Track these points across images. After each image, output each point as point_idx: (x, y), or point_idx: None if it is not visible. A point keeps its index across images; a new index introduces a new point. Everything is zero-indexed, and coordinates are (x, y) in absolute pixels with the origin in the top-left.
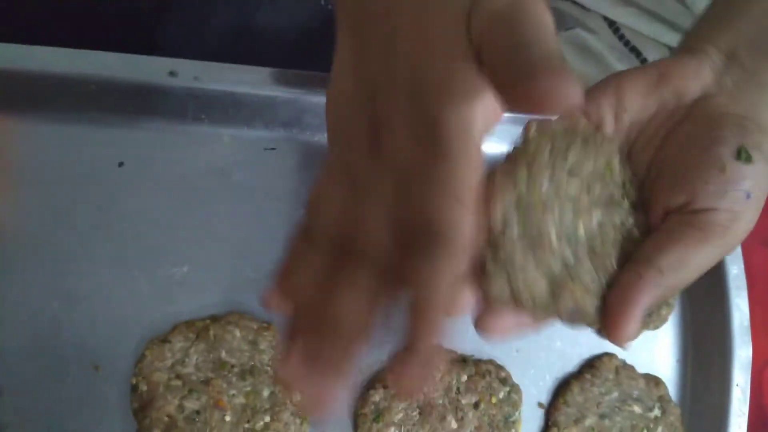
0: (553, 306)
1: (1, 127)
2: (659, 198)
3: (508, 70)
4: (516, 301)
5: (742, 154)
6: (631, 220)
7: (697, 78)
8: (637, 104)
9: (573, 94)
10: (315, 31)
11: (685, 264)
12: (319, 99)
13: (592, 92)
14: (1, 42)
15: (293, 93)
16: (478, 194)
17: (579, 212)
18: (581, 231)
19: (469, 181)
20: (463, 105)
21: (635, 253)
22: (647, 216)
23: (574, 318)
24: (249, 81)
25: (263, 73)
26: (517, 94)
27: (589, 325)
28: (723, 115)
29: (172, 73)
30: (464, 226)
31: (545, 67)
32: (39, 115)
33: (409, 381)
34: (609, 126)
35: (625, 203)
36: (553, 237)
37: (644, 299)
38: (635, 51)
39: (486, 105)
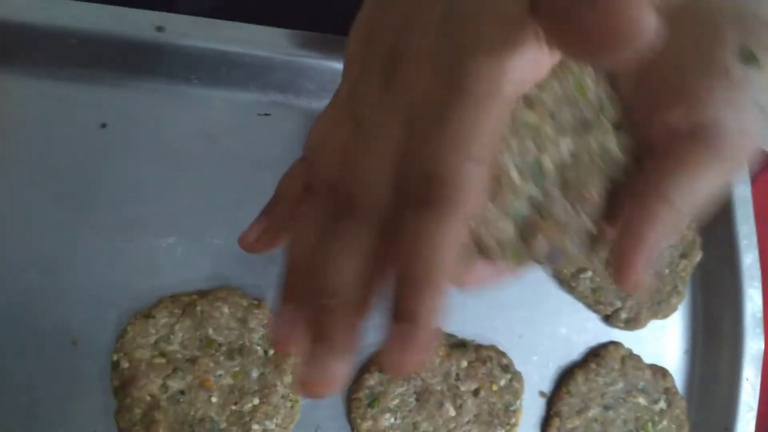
0: (527, 251)
1: None
2: (656, 114)
3: None
4: (484, 252)
5: (746, 55)
6: (613, 143)
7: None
8: None
9: (646, 23)
10: None
11: (696, 190)
12: (317, 62)
13: None
14: None
15: (290, 55)
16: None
17: (542, 142)
18: (547, 163)
19: (488, 138)
20: (499, 53)
21: (638, 183)
22: (637, 137)
23: (555, 260)
24: (243, 40)
25: (258, 31)
26: (571, 27)
27: (578, 264)
28: (718, 11)
29: (159, 29)
30: (474, 185)
31: None
32: (14, 69)
33: (401, 360)
34: None
35: (605, 125)
36: (514, 175)
37: (656, 236)
38: None
39: (525, 61)
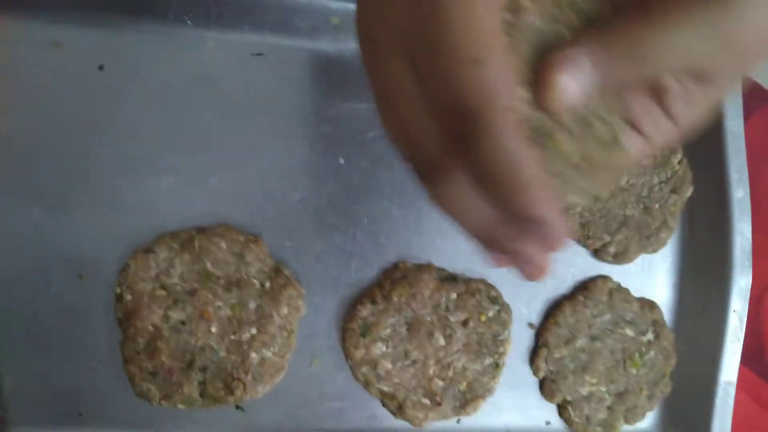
0: None
1: None
2: None
3: None
4: None
5: None
6: None
7: None
8: None
9: None
10: None
11: (642, 30)
12: (309, 1)
13: None
14: None
15: None
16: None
17: None
18: None
19: (483, 25)
20: None
21: None
22: None
23: None
24: None
25: None
26: None
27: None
28: None
29: None
30: (493, 87)
31: None
32: (13, 14)
33: (543, 259)
34: None
35: None
36: None
37: (580, 45)
38: None
39: None
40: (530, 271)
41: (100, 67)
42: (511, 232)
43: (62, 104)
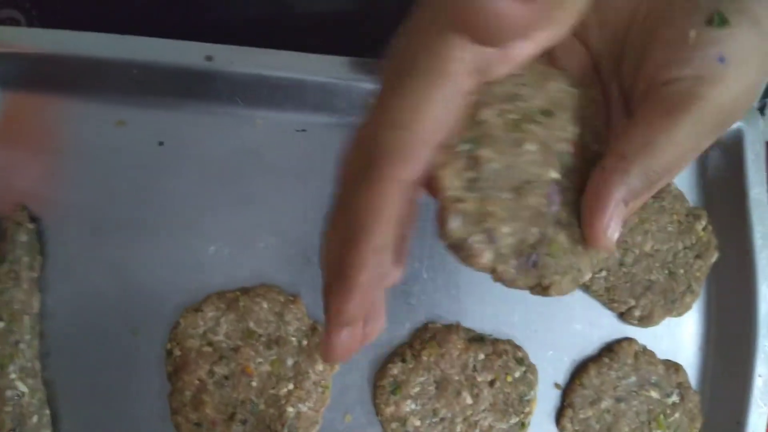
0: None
1: (50, 108)
2: (625, 86)
3: None
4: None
5: (716, 20)
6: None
7: None
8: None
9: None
10: (352, 15)
11: (652, 145)
12: (347, 83)
13: None
14: (49, 28)
15: (323, 77)
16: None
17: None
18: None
19: (421, 108)
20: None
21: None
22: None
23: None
24: (280, 65)
25: (294, 57)
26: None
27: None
28: None
29: (208, 58)
30: (398, 150)
31: None
32: (86, 97)
33: (329, 317)
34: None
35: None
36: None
37: (613, 191)
38: None
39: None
40: (324, 342)
41: (160, 143)
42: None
43: (125, 176)
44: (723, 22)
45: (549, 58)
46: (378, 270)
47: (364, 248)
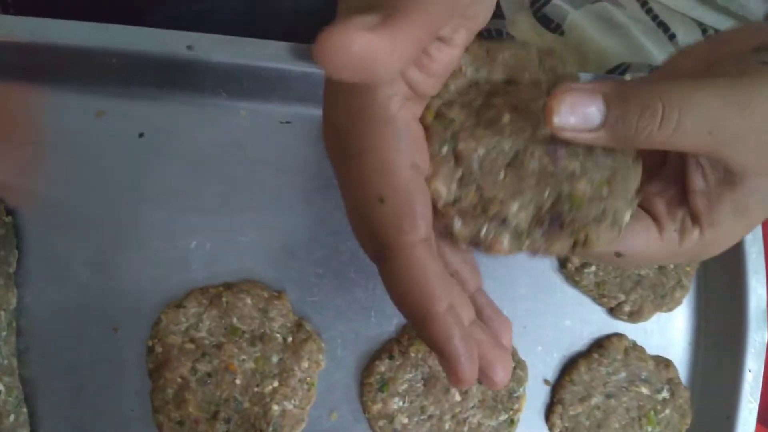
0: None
1: (28, 98)
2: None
3: None
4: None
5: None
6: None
7: (756, 34)
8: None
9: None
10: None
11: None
12: None
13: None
14: (26, 16)
15: (308, 67)
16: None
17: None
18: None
19: (390, 166)
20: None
21: None
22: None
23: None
24: (264, 55)
25: (278, 47)
26: None
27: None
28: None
29: (189, 47)
30: (396, 224)
31: None
32: (64, 87)
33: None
34: None
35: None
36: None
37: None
38: (663, 25)
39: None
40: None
41: (141, 135)
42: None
43: (105, 168)
44: None
45: None
46: (461, 322)
47: (439, 322)
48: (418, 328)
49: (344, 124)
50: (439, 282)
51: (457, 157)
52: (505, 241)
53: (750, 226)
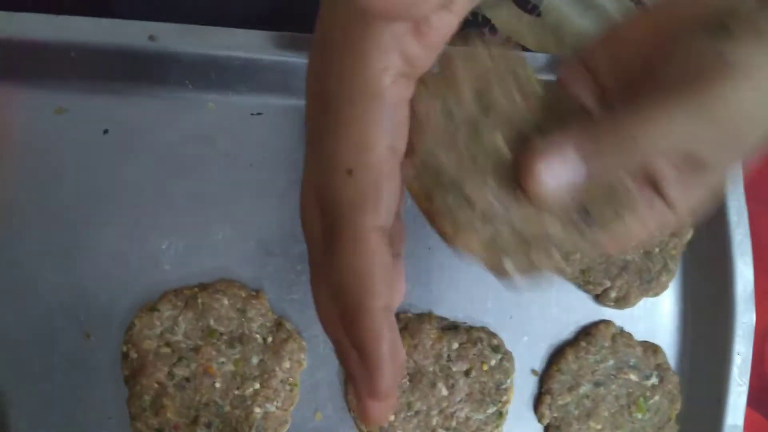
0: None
1: None
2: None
3: None
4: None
5: (718, 31)
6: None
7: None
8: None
9: None
10: None
11: (630, 118)
12: (304, 62)
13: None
14: None
15: (278, 56)
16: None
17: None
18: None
19: (362, 139)
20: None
21: None
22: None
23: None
24: (231, 44)
25: (246, 35)
26: None
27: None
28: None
29: (151, 38)
30: (359, 201)
31: None
32: (20, 82)
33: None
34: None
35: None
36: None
37: (567, 135)
38: (641, 5)
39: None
40: (360, 409)
41: (105, 131)
42: (347, 352)
43: (68, 167)
44: (726, 32)
45: (559, 83)
46: (395, 329)
47: (371, 318)
48: (349, 320)
49: (330, 90)
50: (383, 277)
51: (466, 201)
52: (546, 261)
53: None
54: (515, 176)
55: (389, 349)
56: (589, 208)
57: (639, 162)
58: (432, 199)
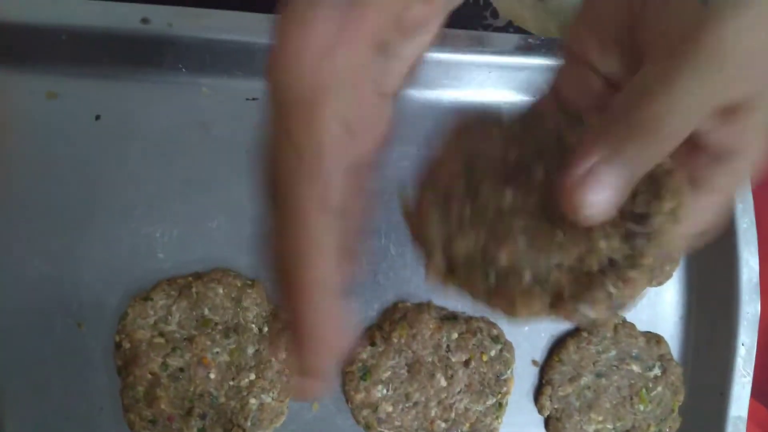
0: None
1: None
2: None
3: None
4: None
5: None
6: None
7: None
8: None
9: None
10: None
11: (639, 104)
12: None
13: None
14: None
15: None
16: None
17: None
18: None
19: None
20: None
21: None
22: None
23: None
24: (226, 27)
25: (241, 18)
26: None
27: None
28: None
29: (144, 20)
30: (308, 169)
31: None
32: (10, 66)
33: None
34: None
35: None
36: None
37: (589, 154)
38: None
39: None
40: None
41: (97, 117)
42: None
43: (60, 154)
44: None
45: (557, 96)
46: (333, 307)
47: (308, 296)
48: (282, 294)
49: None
50: (326, 261)
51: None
52: (599, 311)
53: None
54: (551, 216)
55: (318, 328)
56: (639, 210)
57: (672, 140)
58: (474, 286)
